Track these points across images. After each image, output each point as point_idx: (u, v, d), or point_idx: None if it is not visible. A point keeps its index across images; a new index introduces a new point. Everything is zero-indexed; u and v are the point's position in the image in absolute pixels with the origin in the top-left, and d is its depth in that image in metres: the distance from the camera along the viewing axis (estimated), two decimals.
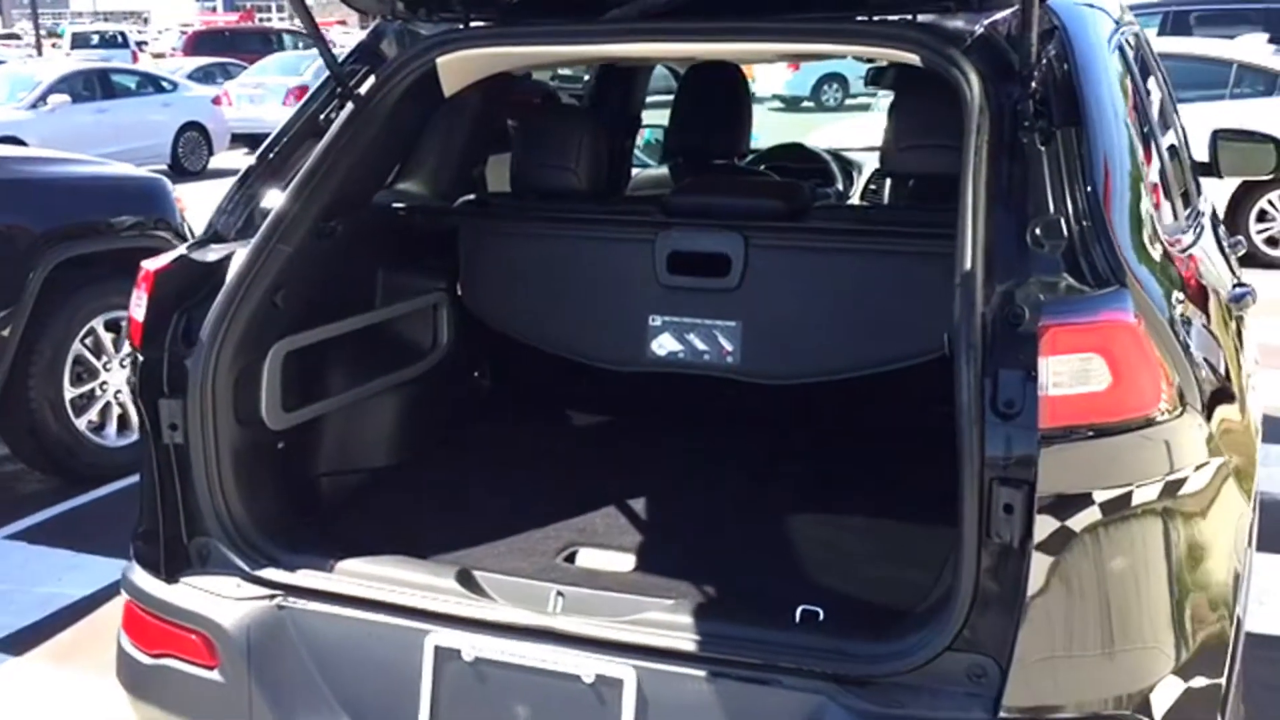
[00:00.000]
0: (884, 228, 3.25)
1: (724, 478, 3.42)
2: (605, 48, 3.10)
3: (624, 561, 2.91)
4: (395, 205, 3.59)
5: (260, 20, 52.90)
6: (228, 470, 2.81)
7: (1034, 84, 2.56)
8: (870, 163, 6.09)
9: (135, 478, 5.72)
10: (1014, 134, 2.56)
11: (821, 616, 2.53)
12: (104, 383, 5.89)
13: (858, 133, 9.20)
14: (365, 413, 3.36)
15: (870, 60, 5.20)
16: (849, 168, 6.01)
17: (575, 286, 3.52)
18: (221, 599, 2.73)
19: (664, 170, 4.99)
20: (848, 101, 26.79)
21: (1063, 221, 2.41)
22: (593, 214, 3.58)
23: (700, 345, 3.38)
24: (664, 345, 3.42)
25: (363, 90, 3.09)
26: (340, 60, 3.15)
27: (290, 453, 3.06)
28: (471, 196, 3.89)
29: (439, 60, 3.11)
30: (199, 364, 2.76)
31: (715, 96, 4.64)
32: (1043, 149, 2.53)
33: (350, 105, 3.07)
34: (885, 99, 14.60)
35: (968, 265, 2.35)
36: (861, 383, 3.30)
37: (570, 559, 2.94)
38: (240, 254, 2.88)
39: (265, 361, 2.92)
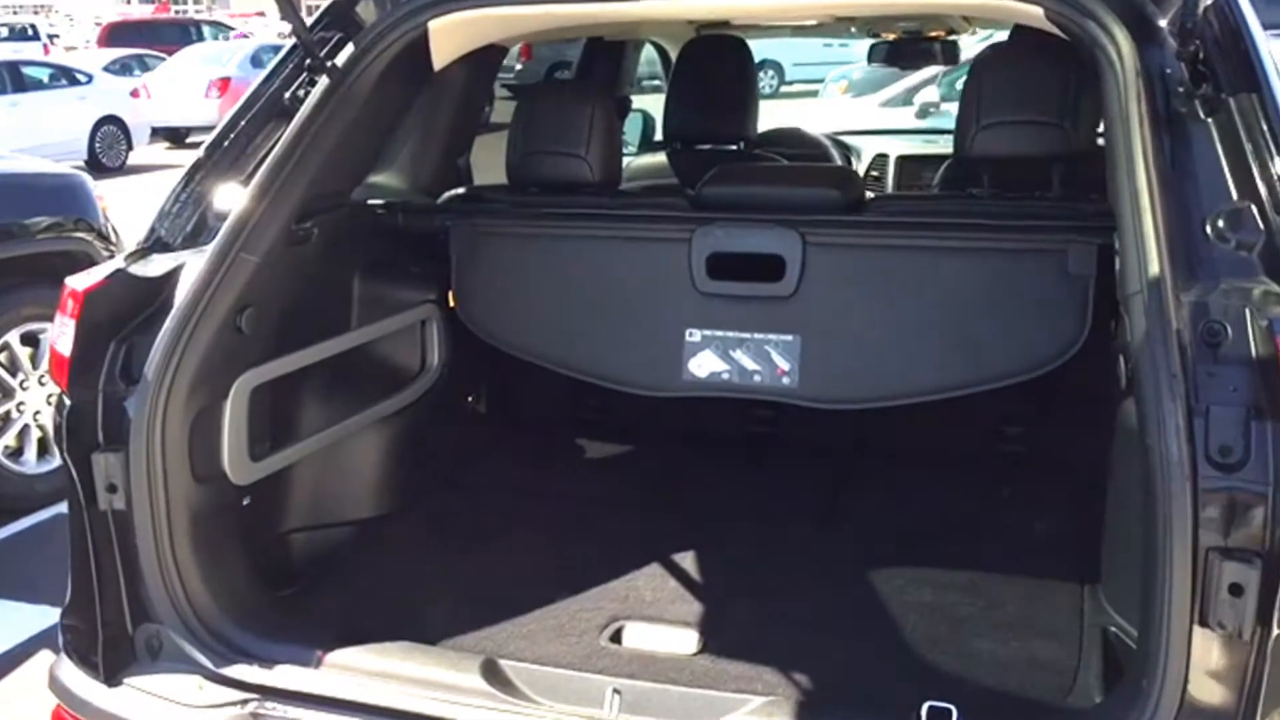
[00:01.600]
0: (972, 220, 2.72)
1: (787, 525, 2.87)
2: (633, 6, 2.53)
3: (684, 640, 2.35)
4: (373, 202, 3.00)
5: (176, 11, 51.31)
6: (183, 540, 2.23)
7: (1195, 42, 2.05)
8: (869, 148, 5.60)
9: (60, 508, 5.19)
10: (1168, 104, 2.05)
11: (955, 717, 1.99)
12: (21, 403, 5.22)
13: (825, 118, 8.63)
14: (344, 456, 2.77)
15: (946, 28, 4.61)
16: (846, 153, 5.51)
17: (593, 295, 2.96)
18: (179, 706, 2.14)
19: (659, 158, 4.43)
20: (783, 89, 26.41)
21: (1254, 210, 1.90)
22: (612, 209, 3.01)
23: (750, 364, 2.84)
24: (704, 365, 2.87)
25: (339, 62, 2.51)
26: (309, 26, 2.55)
27: (257, 512, 2.48)
28: (462, 190, 3.30)
29: (431, 25, 2.55)
30: (144, 407, 2.18)
31: (720, 73, 4.10)
32: (1209, 120, 2.02)
33: (325, 80, 2.49)
34: (835, 84, 13.83)
35: (1154, 268, 1.84)
36: (936, 407, 2.78)
37: (616, 638, 2.39)
38: (194, 266, 2.29)
39: (228, 400, 2.34)
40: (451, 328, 3.08)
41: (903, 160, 5.42)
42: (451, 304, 3.09)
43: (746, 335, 2.83)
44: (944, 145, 5.43)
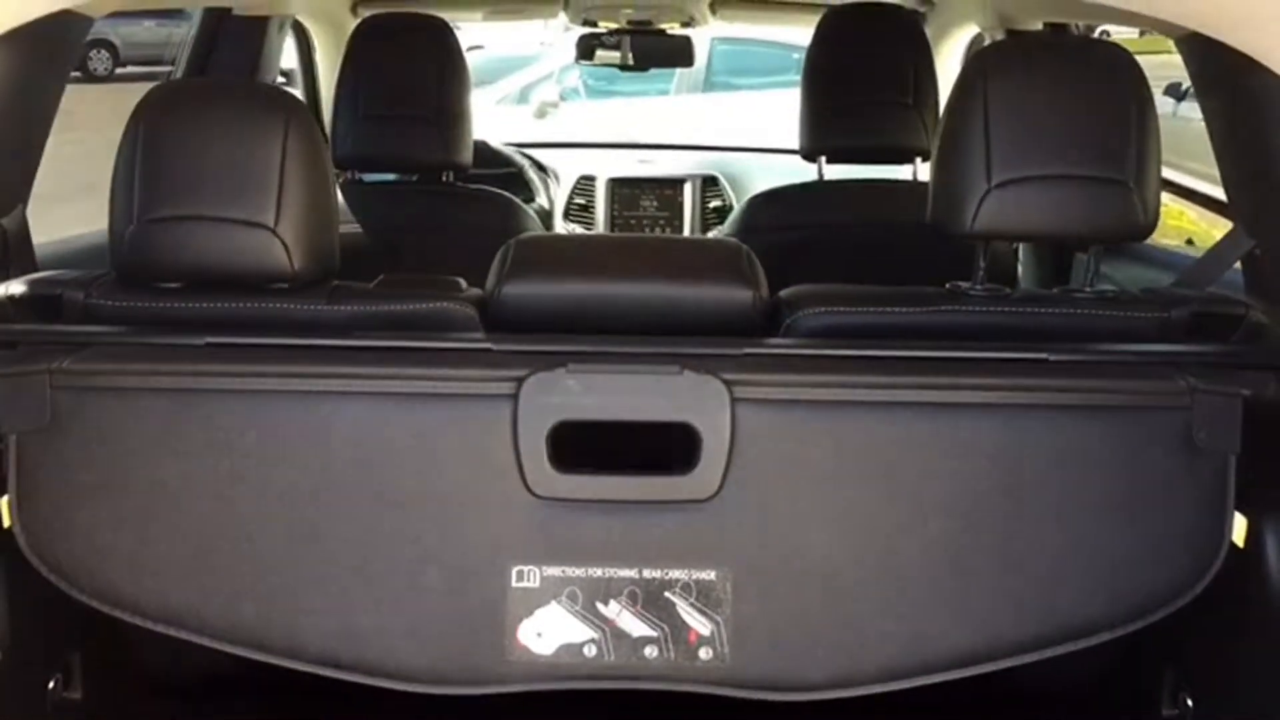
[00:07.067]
0: (1029, 352, 1.55)
1: None
2: None
3: None
4: None
5: None
6: None
7: None
8: (566, 168, 4.35)
9: None
10: None
11: None
12: None
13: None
14: None
15: None
16: (544, 173, 4.24)
17: (317, 506, 1.52)
18: None
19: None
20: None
21: None
22: (350, 340, 1.60)
23: (637, 627, 1.52)
24: (549, 632, 1.52)
25: None
26: None
27: None
28: (18, 288, 1.75)
29: None
30: None
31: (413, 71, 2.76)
32: None
33: None
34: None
35: None
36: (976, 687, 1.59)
37: None
38: None
39: None
40: (6, 570, 1.54)
41: (616, 185, 4.21)
42: (4, 525, 1.55)
43: (630, 573, 1.52)
44: (663, 165, 4.32)
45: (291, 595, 1.53)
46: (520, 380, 1.51)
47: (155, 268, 1.67)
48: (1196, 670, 1.72)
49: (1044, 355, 1.56)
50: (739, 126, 5.37)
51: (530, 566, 1.52)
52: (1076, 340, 1.64)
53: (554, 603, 1.53)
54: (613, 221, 4.20)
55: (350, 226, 2.77)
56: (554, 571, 1.52)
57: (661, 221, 4.18)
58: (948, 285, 1.77)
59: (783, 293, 1.80)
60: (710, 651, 1.53)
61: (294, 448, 1.53)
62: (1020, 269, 2.93)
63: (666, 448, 1.53)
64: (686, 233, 4.10)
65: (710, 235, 4.06)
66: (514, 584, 1.52)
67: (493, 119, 7.88)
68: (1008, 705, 1.95)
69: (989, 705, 1.89)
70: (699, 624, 1.53)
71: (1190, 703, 1.71)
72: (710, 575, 1.53)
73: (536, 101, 7.42)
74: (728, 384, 1.51)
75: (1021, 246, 2.86)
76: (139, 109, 1.68)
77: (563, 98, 7.31)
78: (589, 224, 4.22)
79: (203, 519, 1.53)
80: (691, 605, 1.53)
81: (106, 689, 1.84)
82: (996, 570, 1.54)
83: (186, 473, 1.53)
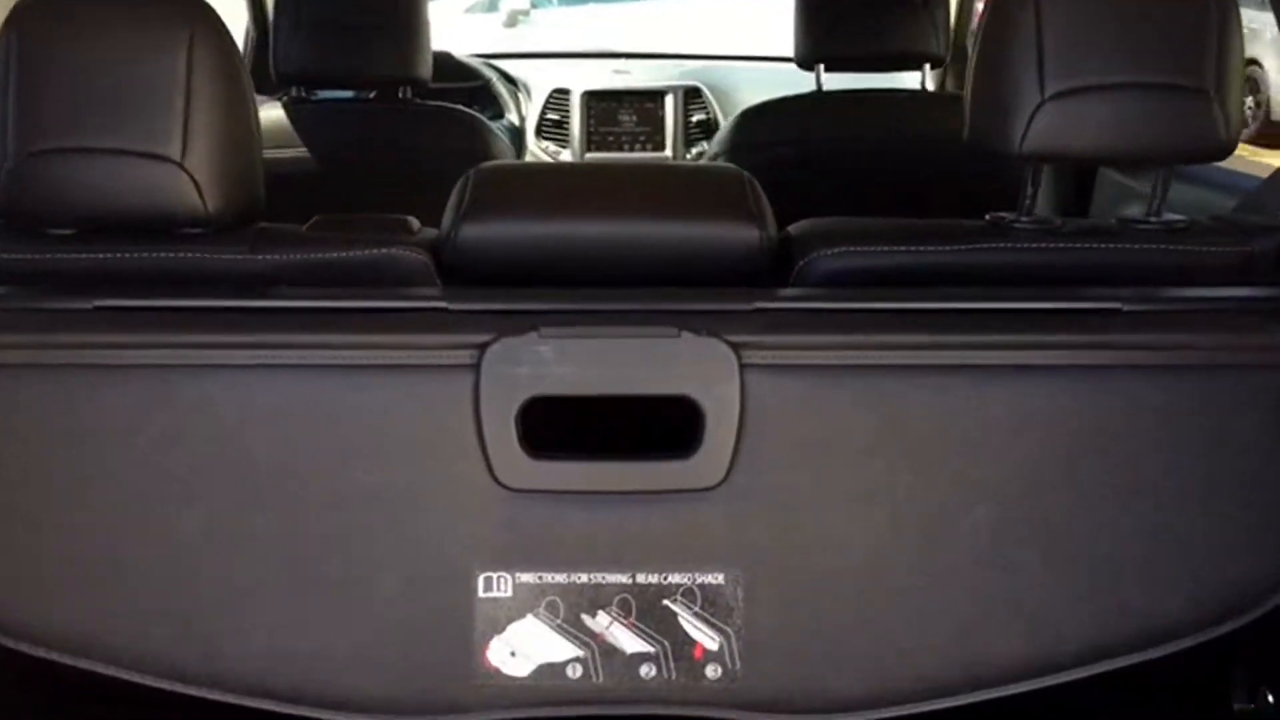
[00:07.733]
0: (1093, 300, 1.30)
1: None
2: None
3: None
4: None
5: None
6: None
7: None
8: (538, 81, 4.04)
9: None
10: None
11: None
12: None
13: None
14: None
15: None
16: (514, 87, 3.94)
17: (247, 510, 1.27)
18: None
19: (274, 112, 2.66)
20: None
21: None
22: (277, 298, 1.34)
23: (630, 642, 1.28)
24: (524, 650, 1.28)
25: None
26: None
27: None
28: None
29: None
30: None
31: None
32: None
33: None
34: None
35: None
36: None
37: None
38: None
39: None
40: None
41: (592, 99, 3.90)
42: None
43: (621, 578, 1.27)
44: (642, 76, 4.01)
45: (212, 612, 1.27)
46: (483, 347, 1.24)
47: (40, 211, 1.39)
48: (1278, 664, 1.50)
49: (1117, 305, 1.30)
50: (724, 32, 5.06)
51: (500, 573, 1.27)
52: (1140, 283, 1.38)
53: (530, 615, 1.27)
54: (589, 139, 3.91)
55: (295, 151, 2.50)
56: (529, 578, 1.27)
57: (642, 138, 3.89)
58: (988, 216, 1.50)
59: (792, 228, 1.52)
60: (719, 668, 1.28)
61: (209, 433, 1.26)
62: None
63: (662, 426, 1.27)
64: (669, 150, 3.82)
65: (694, 153, 3.78)
66: (481, 594, 1.27)
67: (460, 28, 7.44)
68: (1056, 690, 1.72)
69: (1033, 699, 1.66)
70: (705, 636, 1.28)
71: (1271, 698, 1.49)
72: (718, 578, 1.27)
73: (506, 9, 7.07)
74: (735, 347, 1.24)
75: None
76: (10, 20, 1.38)
77: (534, 5, 6.99)
78: (563, 142, 3.93)
79: (101, 522, 1.26)
80: (696, 615, 1.28)
81: (15, 704, 1.60)
82: (1057, 566, 1.29)
83: (79, 466, 1.26)
